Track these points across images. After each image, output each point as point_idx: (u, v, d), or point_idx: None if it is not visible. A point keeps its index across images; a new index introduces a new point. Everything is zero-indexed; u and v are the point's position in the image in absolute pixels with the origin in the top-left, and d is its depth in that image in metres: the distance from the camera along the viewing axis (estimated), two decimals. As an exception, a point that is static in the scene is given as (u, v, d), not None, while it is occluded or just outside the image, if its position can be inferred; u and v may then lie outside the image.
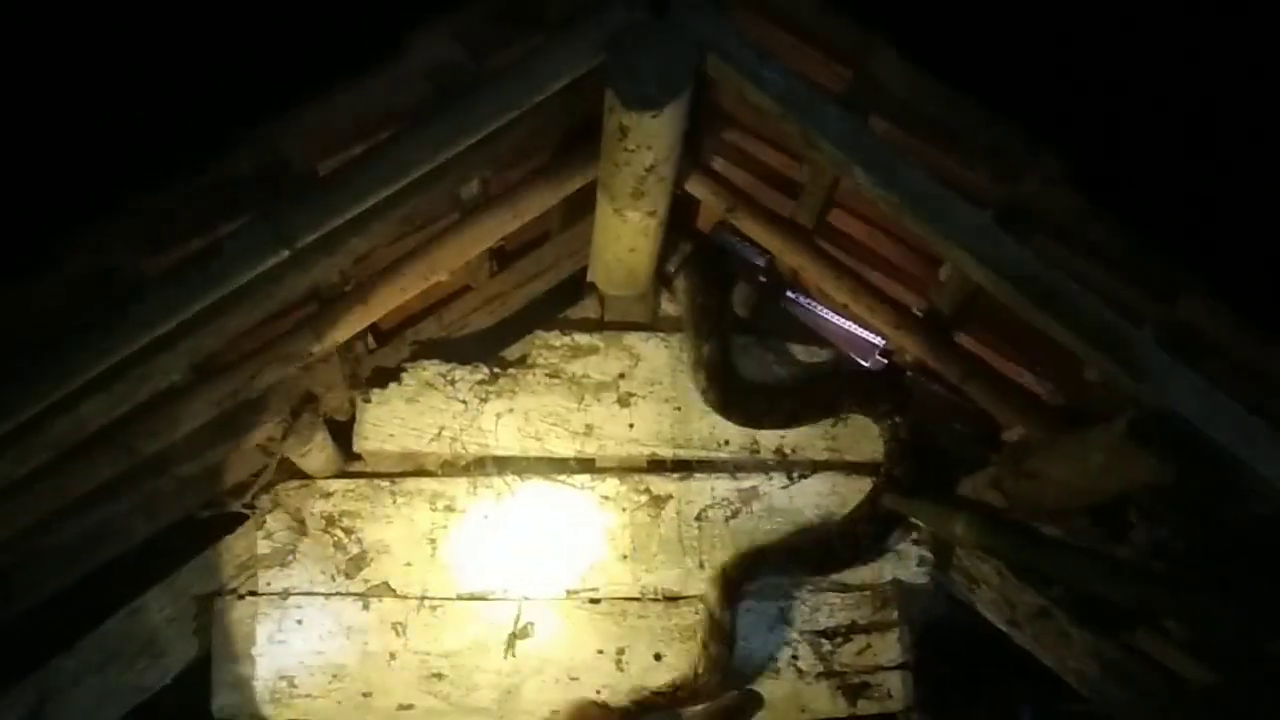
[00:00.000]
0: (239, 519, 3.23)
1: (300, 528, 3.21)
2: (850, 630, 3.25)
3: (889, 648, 3.25)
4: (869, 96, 2.47)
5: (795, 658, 3.22)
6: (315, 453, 3.15)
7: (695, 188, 3.08)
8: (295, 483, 3.26)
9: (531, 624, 3.20)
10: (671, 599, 3.25)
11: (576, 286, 3.48)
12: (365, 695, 3.15)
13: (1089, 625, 3.25)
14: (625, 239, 3.04)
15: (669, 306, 3.46)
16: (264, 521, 3.21)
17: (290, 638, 3.16)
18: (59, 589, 3.13)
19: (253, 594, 3.20)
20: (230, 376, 2.79)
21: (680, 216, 3.24)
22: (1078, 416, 2.77)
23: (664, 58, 2.44)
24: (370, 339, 3.24)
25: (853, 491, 3.33)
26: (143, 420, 2.72)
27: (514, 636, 3.18)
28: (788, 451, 3.37)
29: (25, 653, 3.13)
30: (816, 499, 3.33)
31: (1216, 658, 3.13)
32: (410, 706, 3.15)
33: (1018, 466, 2.89)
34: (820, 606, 3.26)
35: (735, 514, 3.31)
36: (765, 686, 3.19)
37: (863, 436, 3.37)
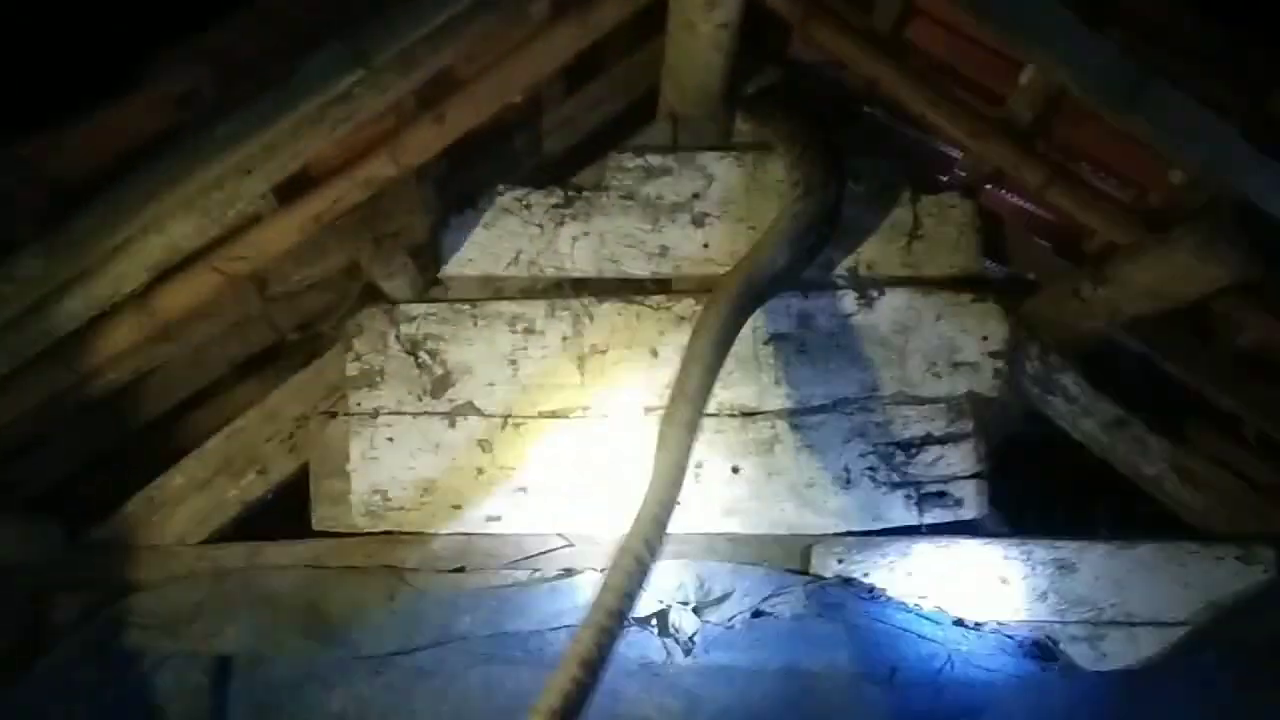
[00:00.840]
0: (329, 342, 3.35)
1: (385, 350, 3.31)
2: (925, 441, 3.29)
3: (963, 458, 3.28)
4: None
5: (870, 469, 3.28)
6: (397, 277, 3.22)
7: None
8: (380, 307, 3.34)
9: (611, 441, 3.28)
10: (748, 414, 3.32)
11: (650, 108, 3.45)
12: (455, 507, 3.29)
13: (1165, 433, 3.26)
14: (698, 54, 3.01)
15: (743, 126, 3.43)
16: (352, 344, 3.32)
17: (382, 454, 3.30)
18: (163, 410, 3.31)
19: (345, 414, 3.33)
20: (311, 201, 2.85)
21: (760, 38, 3.20)
22: (1161, 221, 2.72)
23: None
24: (447, 163, 3.27)
25: (929, 307, 3.32)
26: (231, 244, 2.81)
27: (594, 452, 3.27)
28: (862, 270, 3.36)
29: (135, 471, 3.32)
30: (892, 314, 3.32)
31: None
32: (498, 518, 3.28)
33: (1098, 272, 2.87)
34: (895, 419, 3.30)
35: (809, 331, 3.33)
36: (840, 497, 3.27)
37: (939, 250, 3.35)
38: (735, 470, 3.30)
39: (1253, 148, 2.27)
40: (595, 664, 2.32)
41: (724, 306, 2.93)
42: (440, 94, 2.86)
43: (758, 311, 3.30)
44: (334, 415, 3.34)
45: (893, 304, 3.34)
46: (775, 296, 3.21)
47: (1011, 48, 2.48)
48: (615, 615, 2.41)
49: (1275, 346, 2.95)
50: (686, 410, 2.73)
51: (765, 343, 3.34)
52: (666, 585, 3.18)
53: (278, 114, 2.40)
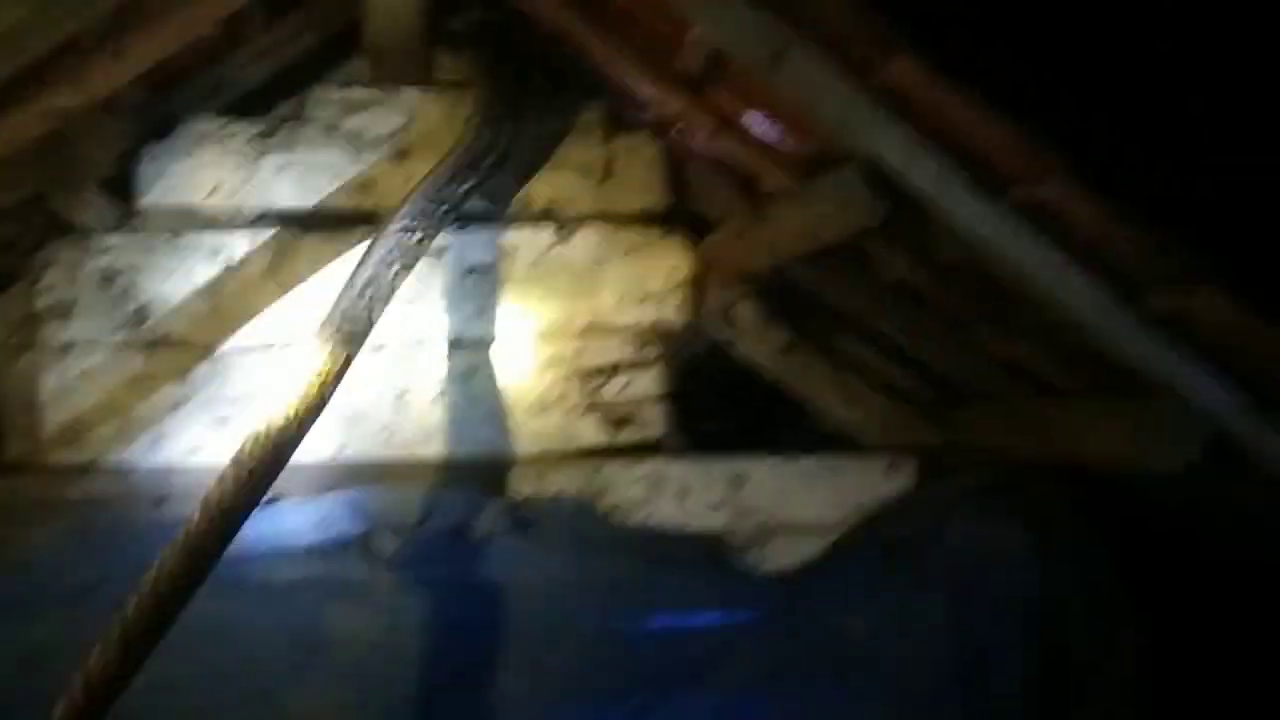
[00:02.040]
0: (13, 276, 3.28)
1: (77, 283, 3.27)
2: (614, 369, 3.54)
3: (649, 383, 3.56)
4: None
5: (563, 395, 3.51)
6: (87, 209, 3.19)
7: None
8: (72, 238, 3.29)
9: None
10: (452, 344, 3.47)
11: (353, 41, 3.49)
12: (155, 440, 3.32)
13: (827, 357, 3.63)
14: (393, -8, 3.08)
15: (446, 61, 3.53)
16: (40, 277, 3.26)
17: (77, 387, 3.28)
18: None
19: (36, 347, 3.28)
20: (-10, 132, 2.79)
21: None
22: (819, 167, 3.00)
23: None
24: (143, 91, 3.23)
25: (620, 242, 3.55)
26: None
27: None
28: (559, 206, 3.55)
29: None
30: (587, 248, 3.53)
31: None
32: (200, 449, 3.33)
33: (759, 214, 3.15)
34: (586, 348, 3.53)
35: (509, 263, 3.50)
36: (537, 420, 3.48)
37: (630, 188, 3.57)
38: (439, 397, 3.46)
39: (876, 109, 2.55)
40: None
41: (392, 228, 2.96)
42: (121, 28, 2.82)
43: (461, 244, 3.45)
44: (25, 349, 3.28)
45: (587, 239, 3.55)
46: (448, 223, 3.31)
47: (672, 6, 2.66)
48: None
49: (915, 279, 3.31)
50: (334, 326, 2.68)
51: (467, 274, 3.48)
52: (370, 509, 3.32)
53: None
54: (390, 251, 2.83)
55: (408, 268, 2.88)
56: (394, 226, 2.88)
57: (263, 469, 2.41)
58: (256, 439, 2.42)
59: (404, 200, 3.01)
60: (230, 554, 3.16)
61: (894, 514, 3.50)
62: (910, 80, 2.51)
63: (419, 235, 2.92)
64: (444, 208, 3.06)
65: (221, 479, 2.37)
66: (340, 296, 2.73)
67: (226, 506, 2.36)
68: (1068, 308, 2.59)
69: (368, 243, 2.88)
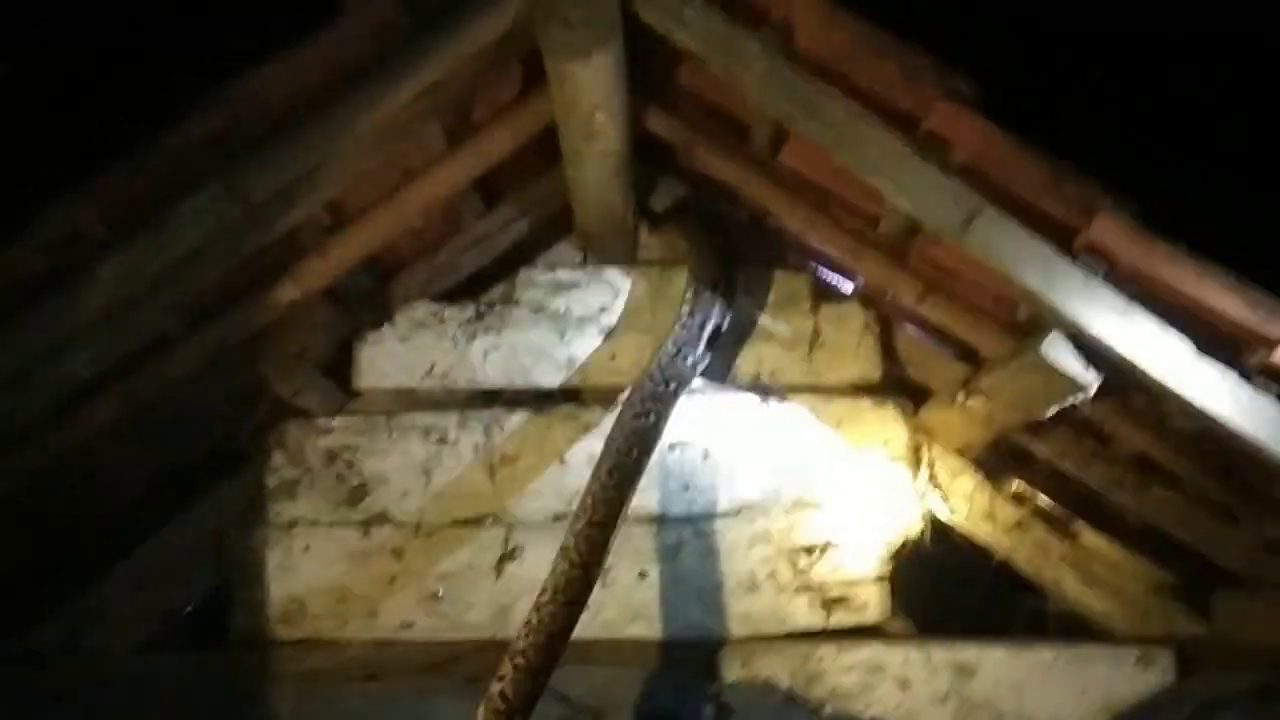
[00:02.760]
0: (247, 457, 3.46)
1: (303, 463, 3.42)
2: (827, 547, 3.35)
3: (866, 562, 3.34)
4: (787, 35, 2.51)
5: (773, 574, 3.34)
6: (309, 392, 3.35)
7: (655, 124, 3.14)
8: (299, 419, 3.46)
9: (521, 548, 3.36)
10: (655, 520, 3.39)
11: (560, 225, 3.58)
12: (370, 615, 3.37)
13: (1066, 536, 3.31)
14: (591, 177, 3.12)
15: (649, 240, 3.56)
16: (269, 458, 3.43)
17: (298, 564, 3.39)
18: (86, 523, 3.41)
19: (263, 524, 3.43)
20: (214, 327, 2.98)
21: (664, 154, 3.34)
22: (1027, 333, 2.79)
23: (589, 3, 2.49)
24: (364, 279, 3.40)
25: (830, 413, 3.40)
26: (138, 369, 2.94)
27: (504, 559, 3.35)
28: (765, 378, 3.46)
29: (62, 581, 3.42)
30: (796, 421, 3.41)
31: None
32: (411, 625, 3.36)
33: (972, 384, 2.94)
34: (797, 525, 3.36)
35: (714, 438, 3.41)
36: (745, 600, 3.32)
37: (839, 358, 3.45)
38: (642, 575, 3.37)
39: (1078, 273, 2.35)
40: None
41: (626, 414, 3.01)
42: (335, 221, 2.99)
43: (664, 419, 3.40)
44: (252, 526, 3.43)
45: (797, 410, 3.42)
46: (679, 399, 3.28)
47: (860, 174, 2.57)
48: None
49: (1156, 453, 2.99)
50: (586, 517, 2.79)
51: (671, 449, 3.41)
52: (571, 691, 3.23)
53: (157, 253, 2.53)
54: (629, 438, 2.92)
55: (647, 453, 2.95)
56: (628, 412, 2.98)
57: (537, 656, 2.57)
58: (529, 627, 2.59)
59: (633, 385, 3.08)
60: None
61: (1148, 714, 3.10)
62: (1115, 241, 2.32)
63: (653, 419, 2.99)
64: (672, 386, 3.09)
65: (501, 676, 2.52)
66: (588, 485, 2.83)
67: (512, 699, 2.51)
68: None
69: (605, 429, 3.03)
